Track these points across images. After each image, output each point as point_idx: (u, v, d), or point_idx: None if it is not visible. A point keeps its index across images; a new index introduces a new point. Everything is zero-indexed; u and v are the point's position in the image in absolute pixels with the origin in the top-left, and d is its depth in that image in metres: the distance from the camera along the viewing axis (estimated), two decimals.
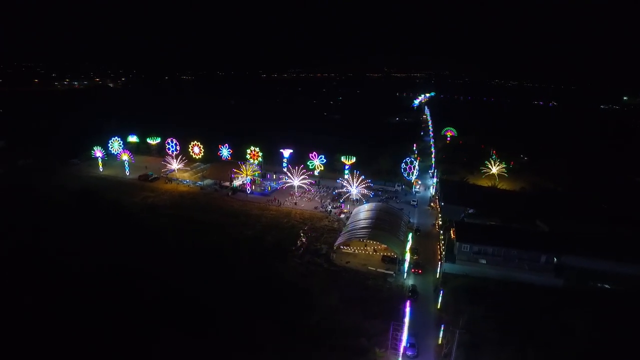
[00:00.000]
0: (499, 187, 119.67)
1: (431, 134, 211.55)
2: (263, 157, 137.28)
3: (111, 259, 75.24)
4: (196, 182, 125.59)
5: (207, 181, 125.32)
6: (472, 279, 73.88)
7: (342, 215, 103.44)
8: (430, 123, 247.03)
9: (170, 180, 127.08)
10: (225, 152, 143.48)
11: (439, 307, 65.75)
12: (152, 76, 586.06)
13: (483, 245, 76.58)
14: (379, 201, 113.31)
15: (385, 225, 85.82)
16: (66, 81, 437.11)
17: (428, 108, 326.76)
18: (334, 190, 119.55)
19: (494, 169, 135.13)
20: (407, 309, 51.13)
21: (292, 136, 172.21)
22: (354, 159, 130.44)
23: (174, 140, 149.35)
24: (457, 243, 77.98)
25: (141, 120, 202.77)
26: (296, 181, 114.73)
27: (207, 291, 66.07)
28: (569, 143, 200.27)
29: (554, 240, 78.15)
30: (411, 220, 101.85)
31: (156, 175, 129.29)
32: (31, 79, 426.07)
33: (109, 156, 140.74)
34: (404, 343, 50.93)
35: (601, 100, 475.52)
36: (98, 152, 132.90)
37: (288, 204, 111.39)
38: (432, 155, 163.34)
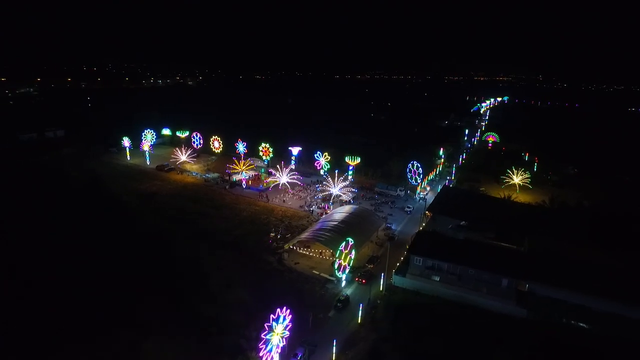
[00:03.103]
0: (513, 199, 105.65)
1: (473, 139, 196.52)
2: (274, 153, 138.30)
3: (60, 237, 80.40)
4: (203, 175, 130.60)
5: (213, 174, 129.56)
6: (418, 296, 66.55)
7: (324, 216, 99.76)
8: (483, 127, 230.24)
9: (182, 171, 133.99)
10: (241, 147, 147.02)
11: (359, 321, 60.10)
12: (230, 75, 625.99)
13: (437, 260, 68.20)
14: (371, 205, 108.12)
15: (351, 230, 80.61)
16: (152, 79, 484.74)
17: (490, 112, 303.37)
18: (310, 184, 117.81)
19: (517, 179, 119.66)
20: (282, 315, 47.29)
21: (317, 135, 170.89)
22: (358, 160, 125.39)
23: (198, 134, 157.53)
24: (410, 255, 70.58)
25: (187, 114, 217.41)
26: (284, 178, 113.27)
27: (127, 273, 68.21)
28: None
29: (525, 264, 66.88)
30: (392, 228, 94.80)
31: (172, 166, 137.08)
32: (124, 77, 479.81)
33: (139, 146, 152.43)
34: (277, 350, 47.35)
35: None
36: (126, 142, 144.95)
37: (277, 201, 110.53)
38: (460, 161, 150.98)
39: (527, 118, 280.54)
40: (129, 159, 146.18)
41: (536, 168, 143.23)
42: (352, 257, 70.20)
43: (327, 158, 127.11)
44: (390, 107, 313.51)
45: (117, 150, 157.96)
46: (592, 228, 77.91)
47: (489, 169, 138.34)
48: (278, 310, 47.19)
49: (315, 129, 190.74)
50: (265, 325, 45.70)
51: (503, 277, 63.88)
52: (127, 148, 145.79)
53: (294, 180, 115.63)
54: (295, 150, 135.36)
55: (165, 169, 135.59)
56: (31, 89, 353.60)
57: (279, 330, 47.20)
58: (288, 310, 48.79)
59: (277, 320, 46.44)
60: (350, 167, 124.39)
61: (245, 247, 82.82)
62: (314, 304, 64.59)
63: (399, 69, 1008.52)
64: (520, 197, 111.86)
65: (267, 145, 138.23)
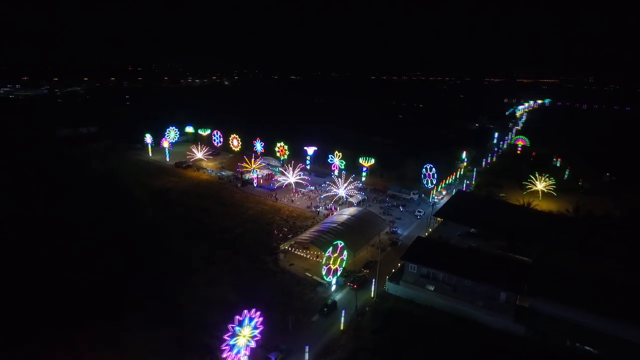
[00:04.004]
0: (533, 206, 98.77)
1: (504, 142, 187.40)
2: (290, 152, 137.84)
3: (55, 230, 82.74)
4: (218, 172, 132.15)
5: (227, 172, 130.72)
6: (410, 305, 63.22)
7: (328, 218, 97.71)
8: (514, 130, 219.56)
9: (198, 168, 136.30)
10: (258, 146, 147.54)
11: (342, 328, 57.75)
12: (266, 75, 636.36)
13: (432, 268, 64.49)
14: (380, 207, 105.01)
15: (350, 233, 78.28)
16: (189, 79, 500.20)
17: (527, 115, 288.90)
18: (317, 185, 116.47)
19: (540, 185, 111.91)
20: (248, 317, 45.98)
21: (338, 136, 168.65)
22: (372, 161, 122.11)
23: (218, 132, 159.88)
24: (405, 262, 67.24)
25: (214, 112, 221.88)
26: (292, 178, 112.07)
27: (119, 267, 69.49)
28: None
29: (529, 277, 61.70)
30: (398, 232, 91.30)
31: (189, 163, 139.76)
32: (163, 77, 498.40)
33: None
34: (245, 352, 46.09)
35: None
36: (148, 139, 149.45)
37: (285, 200, 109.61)
38: (483, 165, 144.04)
39: (566, 121, 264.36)
40: (150, 155, 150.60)
41: (567, 174, 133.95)
42: (344, 259, 67.81)
43: (338, 156, 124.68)
44: (420, 109, 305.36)
45: (142, 146, 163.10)
46: (617, 240, 71.07)
47: (512, 174, 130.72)
48: (245, 311, 45.94)
49: (337, 129, 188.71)
50: (228, 326, 44.50)
51: (502, 290, 59.29)
52: (149, 145, 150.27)
53: (301, 181, 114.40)
54: (310, 150, 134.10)
55: (183, 165, 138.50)
56: (78, 88, 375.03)
57: (245, 333, 45.91)
58: (258, 312, 47.53)
59: (241, 322, 45.10)
60: (364, 169, 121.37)
61: (244, 246, 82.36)
62: (301, 307, 62.93)
63: (438, 70, 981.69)
64: (542, 205, 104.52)
65: (283, 144, 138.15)
